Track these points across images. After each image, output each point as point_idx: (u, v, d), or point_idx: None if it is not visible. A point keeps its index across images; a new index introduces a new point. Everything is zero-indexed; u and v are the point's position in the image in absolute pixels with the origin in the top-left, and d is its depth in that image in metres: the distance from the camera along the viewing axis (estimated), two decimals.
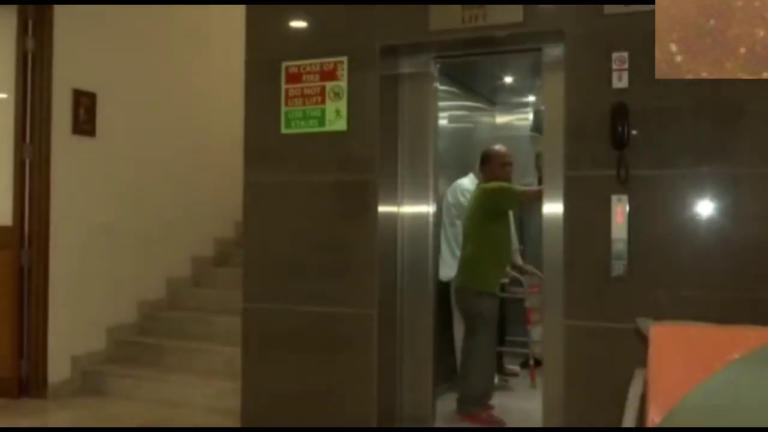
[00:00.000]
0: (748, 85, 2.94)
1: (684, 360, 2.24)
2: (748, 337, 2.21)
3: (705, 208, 3.10)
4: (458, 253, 4.65)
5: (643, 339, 2.45)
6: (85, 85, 5.02)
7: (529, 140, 5.88)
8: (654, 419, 2.17)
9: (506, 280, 4.89)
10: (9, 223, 4.71)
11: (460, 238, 4.64)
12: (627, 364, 2.60)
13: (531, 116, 6.10)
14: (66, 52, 4.85)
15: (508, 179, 4.48)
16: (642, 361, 2.36)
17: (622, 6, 3.19)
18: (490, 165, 4.51)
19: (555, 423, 3.41)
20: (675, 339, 2.31)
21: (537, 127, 5.82)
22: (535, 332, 4.96)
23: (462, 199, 4.78)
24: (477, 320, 4.39)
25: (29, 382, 4.72)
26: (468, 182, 4.84)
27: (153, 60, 5.61)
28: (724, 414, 1.03)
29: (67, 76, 4.86)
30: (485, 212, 4.40)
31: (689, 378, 2.08)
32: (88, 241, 5.05)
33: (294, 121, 3.88)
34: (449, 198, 4.87)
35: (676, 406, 1.08)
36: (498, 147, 4.59)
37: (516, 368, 5.31)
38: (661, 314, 2.86)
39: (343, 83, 3.77)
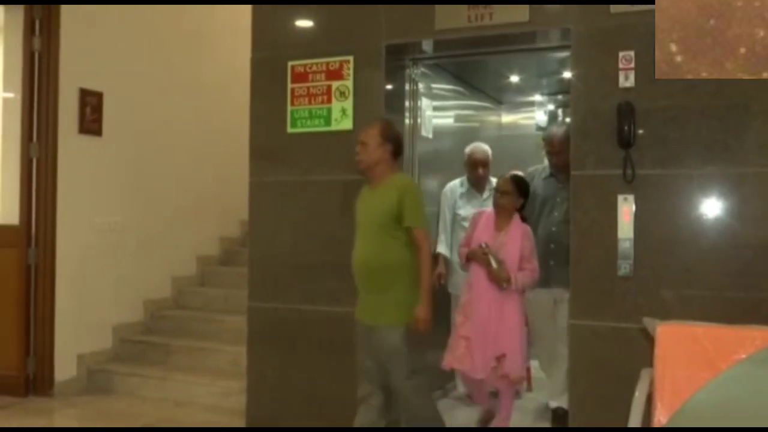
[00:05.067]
0: (754, 84, 2.94)
1: (690, 360, 2.24)
2: (754, 337, 2.21)
3: (711, 207, 3.09)
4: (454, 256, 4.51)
5: (649, 339, 2.45)
6: (92, 85, 5.03)
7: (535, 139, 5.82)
8: (660, 419, 2.17)
9: None
10: (16, 222, 4.72)
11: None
12: (633, 364, 2.60)
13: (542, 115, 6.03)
14: (73, 51, 4.85)
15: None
16: (648, 361, 2.36)
17: (629, 5, 3.18)
18: None
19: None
20: (681, 339, 2.30)
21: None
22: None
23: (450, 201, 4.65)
24: None
25: (36, 381, 4.73)
26: (458, 183, 4.74)
27: (160, 59, 5.62)
28: (731, 414, 1.03)
29: (73, 75, 4.87)
30: None
31: (695, 378, 2.08)
32: (94, 240, 5.07)
33: (300, 120, 3.89)
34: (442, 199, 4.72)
35: (682, 406, 1.08)
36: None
37: None
38: (667, 314, 2.86)
39: (349, 82, 3.77)
